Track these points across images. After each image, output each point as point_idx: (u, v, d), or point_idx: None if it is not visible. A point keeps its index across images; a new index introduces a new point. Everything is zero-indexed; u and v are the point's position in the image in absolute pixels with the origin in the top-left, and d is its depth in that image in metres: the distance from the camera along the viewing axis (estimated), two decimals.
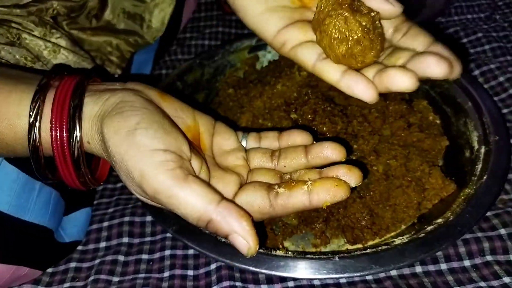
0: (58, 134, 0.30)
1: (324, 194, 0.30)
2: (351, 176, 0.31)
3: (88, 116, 0.31)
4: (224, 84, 0.54)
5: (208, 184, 0.30)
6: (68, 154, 0.31)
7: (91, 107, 0.31)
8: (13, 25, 0.44)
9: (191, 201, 0.27)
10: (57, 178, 0.33)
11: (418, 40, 0.33)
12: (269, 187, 0.32)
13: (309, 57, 0.33)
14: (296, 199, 0.30)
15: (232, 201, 0.30)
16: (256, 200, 0.31)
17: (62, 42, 0.47)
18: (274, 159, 0.35)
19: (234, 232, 0.27)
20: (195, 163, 0.30)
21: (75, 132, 0.30)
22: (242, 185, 0.33)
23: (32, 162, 0.31)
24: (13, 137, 0.31)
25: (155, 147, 0.28)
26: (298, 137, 0.35)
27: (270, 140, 0.36)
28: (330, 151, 0.33)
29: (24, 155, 0.32)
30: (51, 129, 0.30)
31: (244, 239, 0.27)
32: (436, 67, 0.30)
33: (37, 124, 0.30)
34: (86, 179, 0.33)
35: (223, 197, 0.29)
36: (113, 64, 0.56)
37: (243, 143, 0.37)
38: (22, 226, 0.36)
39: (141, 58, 0.60)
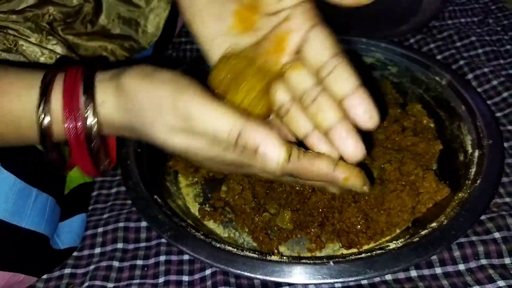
0: (71, 121, 0.30)
1: (347, 170, 0.31)
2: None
3: (101, 79, 0.31)
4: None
5: None
6: (83, 142, 0.31)
7: (103, 75, 0.31)
8: (9, 31, 0.44)
9: (223, 113, 0.28)
10: (69, 167, 0.33)
11: (343, 84, 0.30)
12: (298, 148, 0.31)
13: None
14: (322, 162, 0.30)
15: None
16: None
17: (58, 48, 0.47)
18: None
19: (263, 140, 0.28)
20: None
21: (89, 113, 0.30)
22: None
23: (43, 147, 0.31)
24: (25, 125, 0.31)
25: (178, 76, 0.29)
26: None
27: None
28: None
29: (25, 143, 0.33)
30: (64, 116, 0.30)
31: (275, 146, 0.28)
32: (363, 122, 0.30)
33: (46, 110, 0.30)
34: (101, 162, 0.33)
35: None
36: None
37: None
38: (19, 232, 0.36)
39: (136, 62, 0.60)
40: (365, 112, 0.29)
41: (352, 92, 0.29)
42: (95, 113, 0.30)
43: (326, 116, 0.31)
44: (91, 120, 0.30)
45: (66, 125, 0.30)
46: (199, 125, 0.28)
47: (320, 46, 0.31)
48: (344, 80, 0.30)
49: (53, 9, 0.47)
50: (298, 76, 0.32)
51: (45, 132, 0.30)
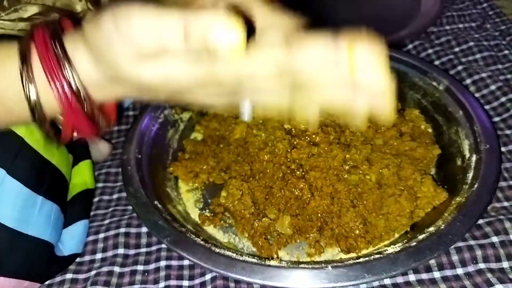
0: (58, 84, 0.28)
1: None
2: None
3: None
4: None
5: None
6: (75, 103, 0.29)
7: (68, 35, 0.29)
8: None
9: (161, 15, 0.24)
10: (66, 137, 0.31)
11: None
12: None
13: None
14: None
15: None
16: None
17: None
18: None
19: (210, 23, 0.23)
20: None
21: (69, 72, 0.28)
22: None
23: (36, 121, 0.30)
24: (12, 100, 0.30)
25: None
26: None
27: None
28: None
29: (16, 122, 0.32)
30: (47, 81, 0.28)
31: (227, 26, 0.22)
32: None
33: (31, 79, 0.28)
34: (96, 118, 0.31)
35: None
36: None
37: None
38: (25, 240, 0.37)
39: None
40: None
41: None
42: (75, 73, 0.28)
43: None
44: (76, 81, 0.28)
45: (54, 93, 0.28)
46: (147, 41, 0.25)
47: None
48: None
49: (58, 16, 0.48)
50: None
51: (34, 105, 0.29)
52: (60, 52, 0.29)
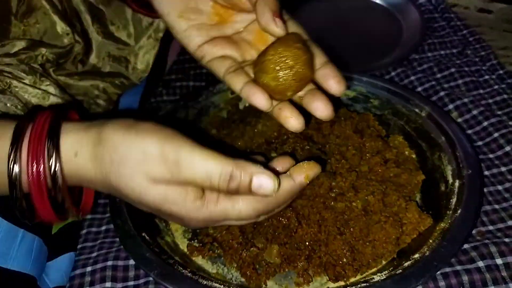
0: (34, 166, 0.31)
1: (303, 170, 0.34)
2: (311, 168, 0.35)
3: (74, 129, 0.32)
4: (208, 125, 0.55)
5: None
6: (44, 186, 0.31)
7: (77, 125, 0.32)
8: (5, 74, 0.45)
9: (210, 157, 0.30)
10: (36, 212, 0.33)
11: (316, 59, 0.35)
12: None
13: (220, 69, 0.37)
14: (284, 185, 0.34)
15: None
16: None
17: (51, 89, 0.49)
18: None
19: (255, 173, 0.31)
20: None
21: (52, 161, 0.31)
22: None
23: (11, 200, 0.32)
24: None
25: (162, 127, 0.31)
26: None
27: None
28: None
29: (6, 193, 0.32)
30: (27, 163, 0.31)
31: (265, 174, 0.31)
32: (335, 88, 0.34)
33: (17, 157, 0.31)
34: (68, 208, 0.34)
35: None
36: (100, 107, 0.57)
37: None
38: (5, 274, 0.36)
39: (127, 100, 0.62)
40: (335, 78, 0.34)
41: (323, 65, 0.35)
42: (58, 161, 0.31)
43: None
44: (54, 167, 0.31)
45: (28, 170, 0.31)
46: (189, 171, 0.30)
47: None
48: (316, 56, 0.35)
49: (46, 50, 0.49)
50: None
51: (13, 180, 0.31)
52: (50, 143, 0.31)
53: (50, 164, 0.31)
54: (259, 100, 0.34)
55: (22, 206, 0.32)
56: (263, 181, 0.31)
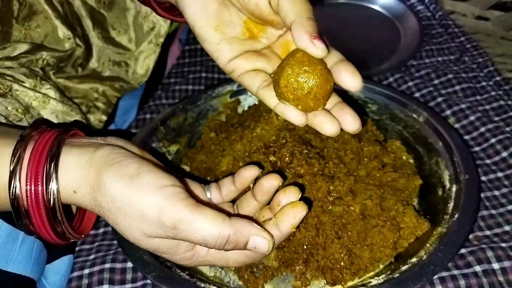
0: (33, 187, 0.31)
1: (288, 219, 0.34)
2: (290, 195, 0.36)
3: (75, 165, 0.32)
4: (206, 128, 0.56)
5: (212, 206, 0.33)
6: (42, 207, 0.31)
7: (77, 158, 0.32)
8: (6, 77, 0.45)
9: (209, 222, 0.30)
10: (37, 231, 0.33)
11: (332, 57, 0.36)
12: None
13: (253, 84, 0.38)
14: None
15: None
16: None
17: (51, 92, 0.49)
18: (235, 210, 0.39)
19: (252, 235, 0.32)
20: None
21: (51, 185, 0.31)
22: None
23: (13, 214, 0.32)
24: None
25: (164, 184, 0.31)
26: (247, 173, 0.38)
27: (227, 186, 0.40)
28: (266, 182, 0.37)
29: (6, 208, 0.33)
30: (26, 183, 0.31)
31: (262, 236, 0.32)
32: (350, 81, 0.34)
33: (17, 175, 0.31)
34: (65, 232, 0.34)
35: (228, 214, 0.32)
36: (99, 110, 0.58)
37: (208, 195, 0.40)
38: (4, 277, 0.36)
39: (126, 103, 0.62)
40: (351, 73, 0.34)
41: (339, 60, 0.35)
42: (57, 184, 0.31)
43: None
44: (54, 188, 0.31)
45: (27, 188, 0.31)
46: (186, 233, 0.30)
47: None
48: (332, 55, 0.35)
49: (46, 54, 0.49)
50: None
51: (15, 198, 0.31)
52: (51, 162, 0.31)
53: (48, 185, 0.31)
54: (294, 116, 0.34)
55: (23, 216, 0.32)
56: (258, 242, 0.32)
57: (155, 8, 0.44)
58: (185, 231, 0.30)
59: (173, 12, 0.45)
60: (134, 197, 0.30)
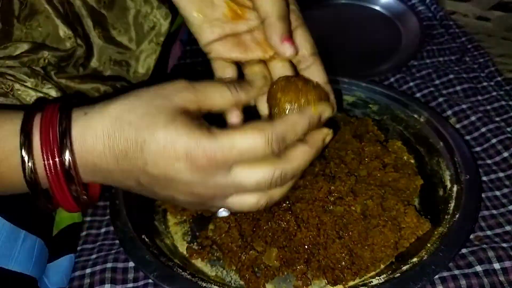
0: (50, 161, 0.30)
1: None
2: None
3: (87, 119, 0.31)
4: None
5: None
6: (62, 177, 0.31)
7: (89, 113, 0.32)
8: (7, 76, 0.45)
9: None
10: (55, 206, 0.33)
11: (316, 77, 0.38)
12: None
13: (221, 73, 0.40)
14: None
15: None
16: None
17: (53, 92, 0.49)
18: None
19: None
20: None
21: (66, 154, 0.30)
22: None
23: (31, 194, 0.32)
24: (8, 171, 0.31)
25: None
26: None
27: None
28: None
29: (12, 191, 0.33)
30: (42, 158, 0.30)
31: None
32: None
33: (29, 155, 0.30)
34: (81, 199, 0.33)
35: None
36: None
37: None
38: (6, 275, 0.36)
39: None
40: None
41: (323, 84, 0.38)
42: (72, 149, 0.31)
43: None
44: (68, 156, 0.31)
45: (44, 162, 0.30)
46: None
47: (304, 44, 0.38)
48: (317, 75, 0.38)
49: (48, 53, 0.49)
50: (278, 64, 0.39)
51: (30, 176, 0.31)
52: (61, 135, 0.31)
53: (64, 152, 0.30)
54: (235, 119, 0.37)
55: (41, 200, 0.32)
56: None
57: None
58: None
59: None
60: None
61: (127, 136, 0.30)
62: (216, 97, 0.34)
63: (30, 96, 0.47)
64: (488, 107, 0.58)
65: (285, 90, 0.35)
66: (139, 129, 0.30)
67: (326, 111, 0.35)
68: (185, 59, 0.73)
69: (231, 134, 0.30)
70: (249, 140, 0.30)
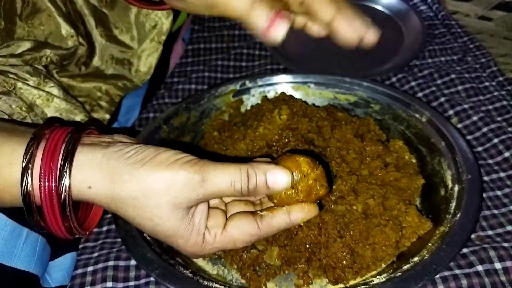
0: (46, 183, 0.31)
1: (300, 212, 0.36)
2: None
3: (88, 162, 0.32)
4: (210, 127, 0.56)
5: None
6: (56, 202, 0.32)
7: (90, 155, 0.33)
8: (9, 75, 0.45)
9: (231, 166, 0.33)
10: (48, 227, 0.34)
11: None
12: (253, 213, 0.37)
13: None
14: (278, 218, 0.36)
15: None
16: (245, 224, 0.36)
17: (55, 91, 0.49)
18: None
19: (268, 170, 0.34)
20: None
21: (64, 180, 0.32)
22: (227, 217, 0.37)
23: (24, 210, 0.32)
24: (2, 185, 0.32)
25: (183, 155, 0.33)
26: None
27: None
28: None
29: (10, 205, 0.33)
30: (39, 178, 0.31)
31: (278, 169, 0.34)
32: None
33: (29, 171, 0.31)
34: (72, 228, 0.34)
35: None
36: (102, 109, 0.58)
37: None
38: (8, 273, 0.36)
39: (129, 102, 0.62)
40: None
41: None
42: (70, 179, 0.32)
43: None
44: (66, 183, 0.32)
45: (41, 184, 0.31)
46: (214, 182, 0.33)
47: None
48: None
49: (50, 52, 0.50)
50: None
51: (27, 194, 0.31)
52: (65, 159, 0.32)
53: (62, 179, 0.32)
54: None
55: (34, 212, 0.33)
56: (277, 176, 0.34)
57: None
58: (213, 180, 0.32)
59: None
60: (159, 172, 0.32)
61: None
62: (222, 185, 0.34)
63: (32, 94, 0.47)
64: (490, 107, 0.58)
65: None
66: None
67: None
68: (187, 58, 0.73)
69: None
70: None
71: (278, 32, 0.40)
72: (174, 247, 0.35)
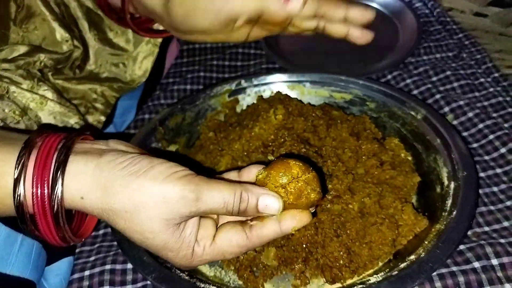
0: (39, 190, 0.31)
1: (291, 220, 0.35)
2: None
3: (82, 172, 0.32)
4: (205, 127, 0.56)
5: None
6: (48, 211, 0.32)
7: (83, 164, 0.32)
8: (3, 79, 0.45)
9: (225, 186, 0.33)
10: (43, 236, 0.34)
11: None
12: (242, 223, 0.36)
13: None
14: (268, 228, 0.35)
15: None
16: (233, 235, 0.35)
17: (49, 94, 0.49)
18: None
19: (260, 195, 0.34)
20: None
21: (57, 189, 0.31)
22: (217, 227, 0.36)
23: (18, 219, 0.32)
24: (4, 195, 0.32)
25: (177, 169, 0.33)
26: (254, 169, 0.39)
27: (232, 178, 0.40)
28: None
29: (4, 215, 0.33)
30: (31, 189, 0.31)
31: (270, 195, 0.34)
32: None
33: (22, 181, 0.31)
34: (66, 236, 0.34)
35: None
36: (97, 111, 0.58)
37: None
38: (3, 279, 0.36)
39: (125, 103, 0.62)
40: None
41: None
42: (62, 189, 0.32)
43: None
44: (59, 194, 0.31)
45: (33, 195, 0.31)
46: (208, 201, 0.32)
47: None
48: None
49: (44, 56, 0.49)
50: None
51: (19, 203, 0.31)
52: (58, 167, 0.32)
53: (55, 187, 0.31)
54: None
55: (27, 221, 0.32)
56: (268, 201, 0.34)
57: (130, 26, 0.47)
58: (207, 200, 0.32)
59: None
60: (153, 186, 0.31)
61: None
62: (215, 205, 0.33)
63: (26, 98, 0.47)
64: (486, 103, 0.58)
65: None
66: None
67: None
68: (182, 58, 0.73)
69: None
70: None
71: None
72: (164, 259, 0.35)
